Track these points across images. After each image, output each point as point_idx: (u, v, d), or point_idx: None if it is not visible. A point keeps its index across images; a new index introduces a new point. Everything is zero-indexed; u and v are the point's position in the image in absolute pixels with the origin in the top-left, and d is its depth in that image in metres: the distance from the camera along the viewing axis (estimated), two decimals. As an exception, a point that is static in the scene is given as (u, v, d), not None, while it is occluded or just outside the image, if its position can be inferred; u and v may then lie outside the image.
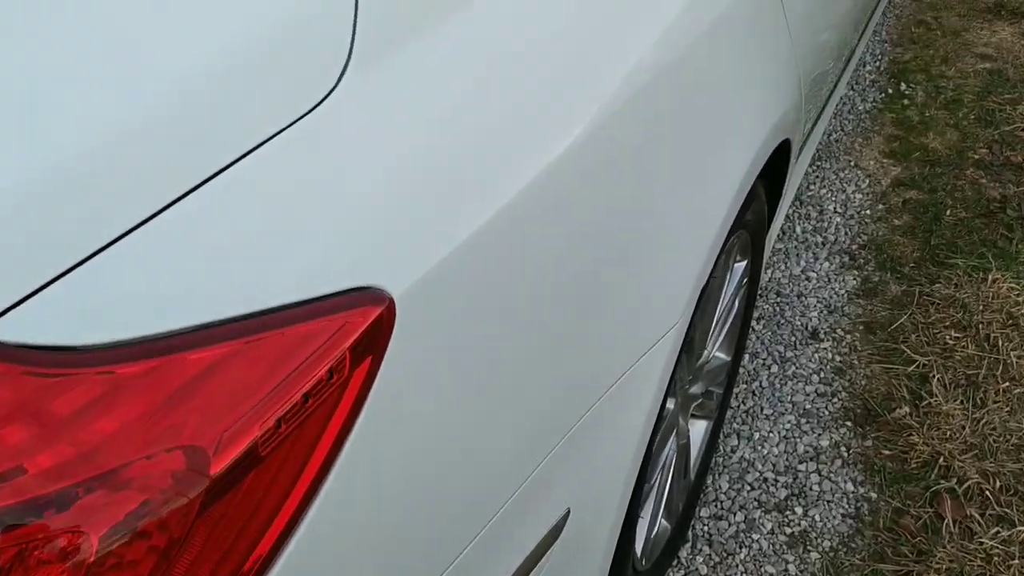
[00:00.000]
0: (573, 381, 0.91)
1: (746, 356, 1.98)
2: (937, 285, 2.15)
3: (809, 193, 2.47)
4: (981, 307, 2.08)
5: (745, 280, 1.53)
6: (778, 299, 2.14)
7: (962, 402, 1.87)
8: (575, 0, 0.90)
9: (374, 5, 0.71)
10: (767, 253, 1.69)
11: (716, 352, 1.57)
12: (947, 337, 2.01)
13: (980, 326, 2.03)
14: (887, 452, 1.78)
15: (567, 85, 0.85)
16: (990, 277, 2.15)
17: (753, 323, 2.07)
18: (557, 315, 0.86)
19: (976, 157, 2.58)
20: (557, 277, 0.84)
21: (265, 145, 0.62)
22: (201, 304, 0.57)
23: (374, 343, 0.64)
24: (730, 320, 1.53)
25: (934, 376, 1.92)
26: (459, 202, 0.72)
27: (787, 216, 2.38)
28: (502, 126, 0.78)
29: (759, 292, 2.14)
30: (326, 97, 0.67)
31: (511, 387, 0.82)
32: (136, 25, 0.61)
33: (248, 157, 0.62)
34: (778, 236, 2.31)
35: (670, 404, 1.31)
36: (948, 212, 2.38)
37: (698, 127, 1.05)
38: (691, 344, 1.32)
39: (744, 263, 1.49)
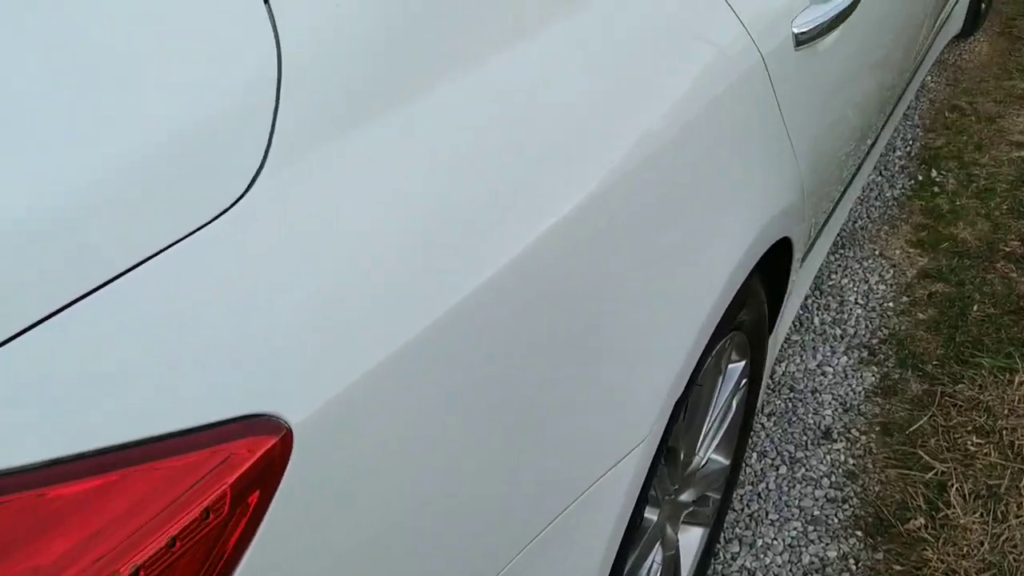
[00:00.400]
0: (519, 508, 0.84)
1: (753, 455, 1.89)
2: (960, 385, 2.04)
3: (830, 282, 2.38)
4: (1006, 411, 1.97)
5: (744, 381, 1.45)
6: (791, 394, 2.04)
7: (982, 515, 1.75)
8: (551, 87, 0.86)
9: (299, 99, 0.66)
10: (773, 352, 1.61)
11: (712, 455, 1.48)
12: (968, 443, 1.90)
13: (1004, 432, 1.92)
14: (898, 568, 1.67)
15: (524, 181, 0.80)
16: (1016, 379, 2.04)
17: (763, 419, 1.98)
18: (499, 436, 0.79)
19: (1007, 250, 2.49)
20: (500, 395, 0.78)
21: (155, 258, 0.58)
22: (56, 436, 0.52)
23: (264, 477, 0.58)
24: (727, 423, 1.45)
25: (953, 485, 1.81)
26: (381, 315, 0.67)
27: (804, 306, 2.30)
28: (440, 232, 0.72)
29: (771, 386, 2.05)
30: (234, 203, 0.62)
31: (442, 517, 0.75)
32: (24, 121, 0.57)
33: (136, 270, 0.57)
34: (793, 327, 2.22)
35: (651, 516, 1.23)
36: (975, 307, 2.28)
37: (676, 227, 0.99)
38: (674, 453, 1.24)
39: (742, 363, 1.42)
